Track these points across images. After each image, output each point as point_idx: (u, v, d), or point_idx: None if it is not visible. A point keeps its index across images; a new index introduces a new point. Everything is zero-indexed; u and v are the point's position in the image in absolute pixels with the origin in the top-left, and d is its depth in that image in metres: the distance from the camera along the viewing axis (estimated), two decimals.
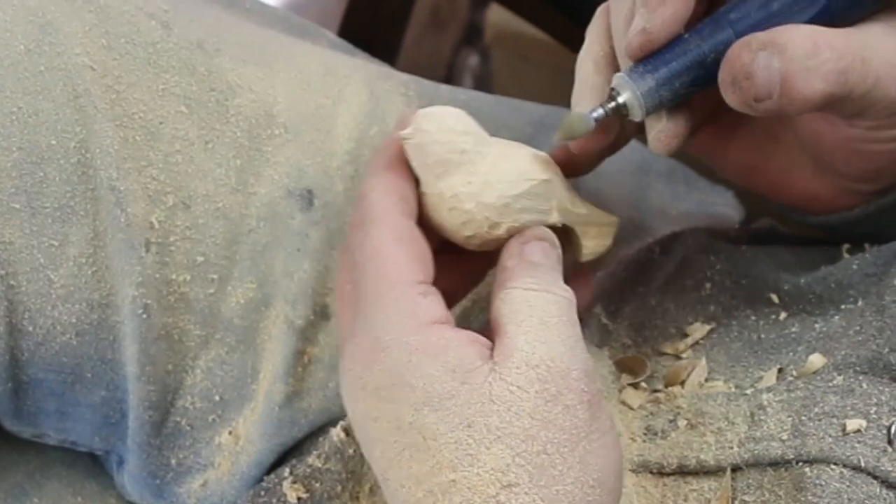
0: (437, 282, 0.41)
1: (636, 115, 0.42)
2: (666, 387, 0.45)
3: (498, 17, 1.25)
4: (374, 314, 0.39)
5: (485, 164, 0.43)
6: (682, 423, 0.43)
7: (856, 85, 0.40)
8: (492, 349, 0.39)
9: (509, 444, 0.36)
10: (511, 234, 0.43)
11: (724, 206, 0.68)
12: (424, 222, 0.43)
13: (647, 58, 0.41)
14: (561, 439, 0.36)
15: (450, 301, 0.42)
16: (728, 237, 0.55)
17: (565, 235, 0.45)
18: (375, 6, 1.10)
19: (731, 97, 0.40)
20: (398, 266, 0.40)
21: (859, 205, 0.47)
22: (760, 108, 0.40)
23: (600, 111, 0.42)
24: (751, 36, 0.40)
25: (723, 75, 0.40)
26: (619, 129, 0.45)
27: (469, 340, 0.38)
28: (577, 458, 0.36)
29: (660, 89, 0.41)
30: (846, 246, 0.49)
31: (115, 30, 0.51)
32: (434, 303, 0.39)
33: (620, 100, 0.42)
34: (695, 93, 0.42)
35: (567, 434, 0.36)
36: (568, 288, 0.40)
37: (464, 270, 0.47)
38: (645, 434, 0.44)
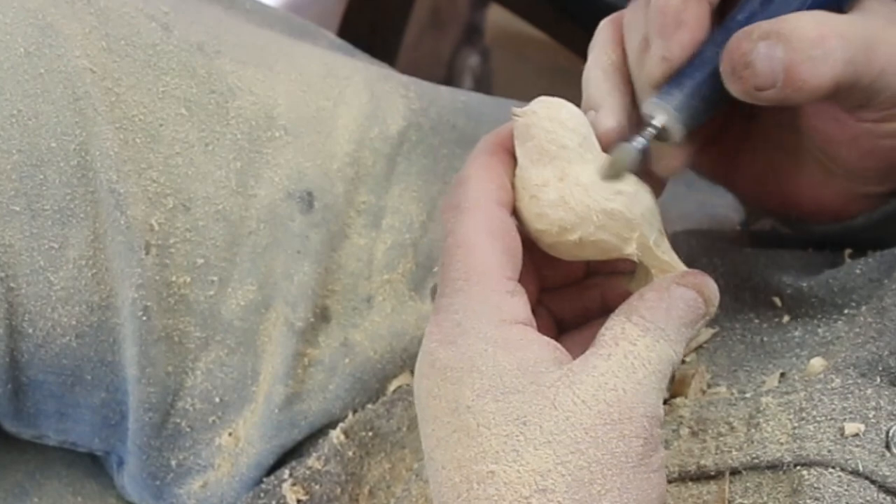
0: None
1: (676, 133, 0.41)
2: (671, 398, 0.45)
3: (498, 17, 1.25)
4: (459, 300, 0.38)
5: (583, 168, 0.41)
6: (684, 431, 0.43)
7: (862, 74, 0.39)
8: (572, 357, 0.38)
9: (556, 450, 0.35)
10: (584, 246, 0.41)
11: (724, 208, 0.67)
12: (515, 212, 0.42)
13: (669, 79, 0.41)
14: (607, 462, 0.36)
15: None
16: (729, 239, 0.55)
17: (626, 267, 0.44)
18: (375, 6, 1.10)
19: (732, 87, 0.40)
20: (488, 259, 0.39)
21: (863, 212, 0.47)
22: (763, 97, 0.39)
23: (641, 140, 0.41)
24: (753, 25, 0.39)
25: (723, 66, 0.40)
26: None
27: (547, 345, 0.38)
28: (617, 484, 0.35)
29: (690, 100, 0.40)
30: (848, 251, 0.49)
31: (115, 32, 0.51)
32: (520, 303, 0.39)
33: (657, 123, 0.41)
34: (727, 99, 0.41)
35: (615, 459, 0.36)
36: (681, 352, 0.39)
37: (535, 272, 0.45)
38: None
